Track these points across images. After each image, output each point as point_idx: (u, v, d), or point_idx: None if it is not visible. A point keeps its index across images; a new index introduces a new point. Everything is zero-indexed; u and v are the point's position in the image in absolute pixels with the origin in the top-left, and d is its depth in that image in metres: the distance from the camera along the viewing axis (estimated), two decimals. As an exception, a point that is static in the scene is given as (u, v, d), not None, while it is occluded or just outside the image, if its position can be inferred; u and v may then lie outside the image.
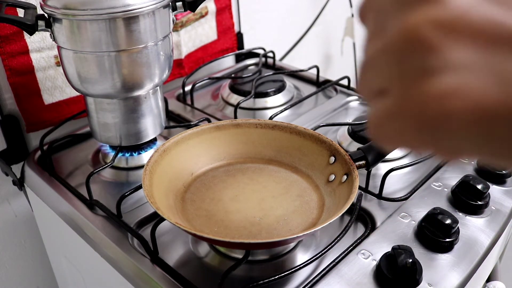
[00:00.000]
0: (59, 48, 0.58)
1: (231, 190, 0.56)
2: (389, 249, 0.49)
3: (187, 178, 0.57)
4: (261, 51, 1.00)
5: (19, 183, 0.70)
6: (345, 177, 0.52)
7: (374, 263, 0.50)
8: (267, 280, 0.47)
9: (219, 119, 0.78)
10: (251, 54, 1.03)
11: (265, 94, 0.84)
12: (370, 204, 0.59)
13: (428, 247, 0.52)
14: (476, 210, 0.58)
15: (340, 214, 0.45)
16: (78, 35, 0.55)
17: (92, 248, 0.57)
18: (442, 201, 0.59)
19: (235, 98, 0.84)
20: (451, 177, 0.64)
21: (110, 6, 0.53)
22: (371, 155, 0.53)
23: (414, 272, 0.47)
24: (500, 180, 0.63)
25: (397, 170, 0.63)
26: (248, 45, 1.08)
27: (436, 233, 0.52)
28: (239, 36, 1.05)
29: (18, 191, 0.75)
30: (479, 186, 0.57)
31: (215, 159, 0.60)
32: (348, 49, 1.43)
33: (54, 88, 0.75)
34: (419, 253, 0.51)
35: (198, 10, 0.90)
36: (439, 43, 0.18)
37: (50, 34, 0.57)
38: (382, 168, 0.66)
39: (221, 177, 0.58)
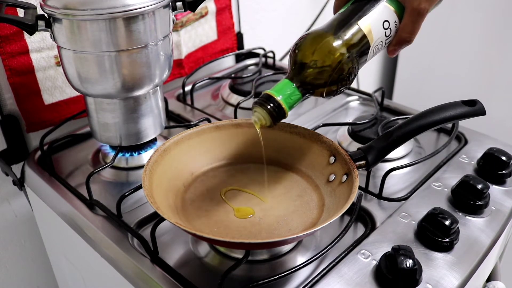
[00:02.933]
0: (59, 48, 0.58)
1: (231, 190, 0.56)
2: (389, 249, 0.49)
3: (187, 178, 0.57)
4: (261, 51, 1.00)
5: (19, 183, 0.70)
6: (345, 177, 0.52)
7: (374, 263, 0.50)
8: (267, 280, 0.47)
9: (219, 119, 0.78)
10: (251, 54, 1.03)
11: (265, 94, 0.84)
12: (370, 204, 0.59)
13: (428, 247, 0.52)
14: (476, 210, 0.58)
15: (340, 214, 0.45)
16: (78, 35, 0.55)
17: (92, 248, 0.57)
18: (442, 201, 0.59)
19: (235, 98, 0.84)
20: (451, 177, 0.64)
21: (110, 6, 0.53)
22: (371, 155, 0.53)
23: (414, 272, 0.47)
24: (500, 180, 0.63)
25: (397, 170, 0.63)
26: (248, 45, 1.08)
27: (436, 233, 0.52)
28: (239, 36, 1.05)
29: (18, 191, 0.75)
30: (479, 186, 0.57)
31: (215, 159, 0.60)
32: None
33: (54, 88, 0.75)
34: (419, 253, 0.51)
35: (198, 10, 0.90)
36: None
37: (50, 34, 0.57)
38: (382, 168, 0.66)
39: (221, 177, 0.58)
